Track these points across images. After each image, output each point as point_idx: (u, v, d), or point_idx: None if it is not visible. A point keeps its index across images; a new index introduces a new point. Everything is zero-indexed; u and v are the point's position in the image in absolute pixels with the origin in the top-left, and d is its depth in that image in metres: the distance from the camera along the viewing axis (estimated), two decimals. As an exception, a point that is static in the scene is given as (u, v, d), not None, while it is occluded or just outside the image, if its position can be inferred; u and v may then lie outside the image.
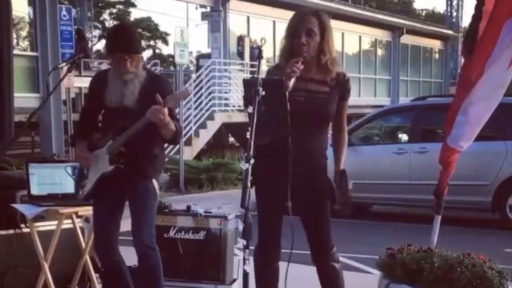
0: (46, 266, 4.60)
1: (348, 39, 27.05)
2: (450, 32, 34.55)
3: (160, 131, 4.00)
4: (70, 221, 4.81)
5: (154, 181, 4.17)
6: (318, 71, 3.75)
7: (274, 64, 3.88)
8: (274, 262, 3.87)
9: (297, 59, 3.59)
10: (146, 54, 37.56)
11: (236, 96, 18.48)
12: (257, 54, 3.62)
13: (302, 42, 3.66)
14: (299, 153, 3.62)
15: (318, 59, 3.73)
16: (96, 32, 34.32)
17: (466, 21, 35.71)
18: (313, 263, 3.92)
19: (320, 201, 3.80)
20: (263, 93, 3.25)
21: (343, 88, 3.80)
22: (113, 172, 4.07)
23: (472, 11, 4.34)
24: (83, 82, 13.50)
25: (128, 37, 4.06)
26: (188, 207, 5.15)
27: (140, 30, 35.98)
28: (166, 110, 3.83)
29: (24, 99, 11.92)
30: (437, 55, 35.26)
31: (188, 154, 16.05)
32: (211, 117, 17.75)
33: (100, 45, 35.80)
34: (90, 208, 4.55)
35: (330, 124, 3.87)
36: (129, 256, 4.25)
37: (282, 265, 3.86)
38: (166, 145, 4.55)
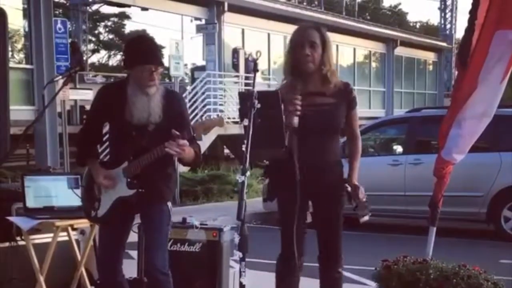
0: (41, 278, 4.59)
1: (343, 51, 27.08)
2: (444, 44, 34.64)
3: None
4: (65, 233, 4.81)
5: (169, 203, 4.08)
6: (320, 83, 3.90)
7: (284, 83, 3.97)
8: (294, 272, 3.92)
9: (295, 96, 3.70)
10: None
11: (231, 108, 18.46)
12: (252, 66, 3.65)
13: (306, 53, 3.81)
14: (313, 165, 3.76)
15: (320, 71, 3.88)
16: (91, 45, 34.32)
17: (459, 33, 35.87)
18: (321, 269, 3.99)
19: (336, 211, 3.94)
20: (259, 105, 3.27)
21: (348, 97, 3.97)
22: (131, 196, 3.93)
23: (466, 24, 4.38)
24: (78, 94, 13.50)
25: (156, 48, 3.95)
26: (184, 219, 5.16)
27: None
28: (184, 142, 3.71)
29: (19, 111, 11.87)
30: (431, 67, 35.34)
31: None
32: (206, 129, 17.70)
33: (95, 58, 35.82)
34: (86, 221, 4.55)
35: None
36: (127, 268, 4.23)
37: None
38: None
